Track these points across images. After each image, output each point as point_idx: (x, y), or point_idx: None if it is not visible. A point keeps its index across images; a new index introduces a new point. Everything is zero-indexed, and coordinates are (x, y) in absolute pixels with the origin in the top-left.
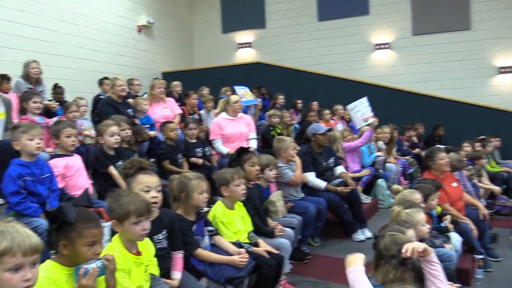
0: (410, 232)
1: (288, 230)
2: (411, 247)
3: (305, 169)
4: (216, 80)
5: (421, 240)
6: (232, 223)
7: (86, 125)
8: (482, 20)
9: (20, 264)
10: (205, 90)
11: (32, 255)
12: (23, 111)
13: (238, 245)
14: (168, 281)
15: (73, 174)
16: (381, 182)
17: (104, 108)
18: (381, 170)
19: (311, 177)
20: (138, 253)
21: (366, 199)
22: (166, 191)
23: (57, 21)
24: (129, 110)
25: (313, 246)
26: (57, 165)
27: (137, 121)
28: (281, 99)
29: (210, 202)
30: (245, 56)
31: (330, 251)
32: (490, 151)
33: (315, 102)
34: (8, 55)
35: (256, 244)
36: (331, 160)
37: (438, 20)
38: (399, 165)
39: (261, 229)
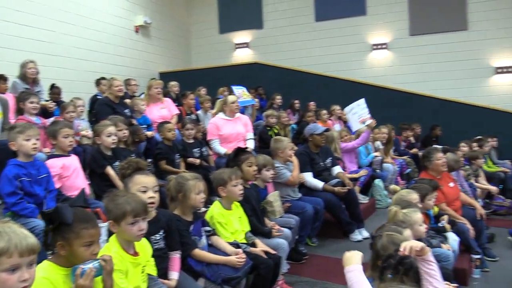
0: (407, 232)
1: (286, 230)
2: (409, 246)
3: (302, 169)
4: (214, 80)
5: (418, 240)
6: (229, 223)
7: (83, 126)
8: (479, 21)
9: (17, 264)
10: (203, 91)
11: (29, 255)
12: (20, 111)
13: (236, 245)
14: (166, 281)
15: (70, 175)
16: (378, 182)
17: (101, 108)
18: (378, 170)
19: (309, 177)
20: (135, 254)
21: (363, 199)
22: (163, 192)
23: (54, 21)
24: (126, 111)
25: (311, 246)
26: (54, 165)
27: (134, 122)
28: (278, 99)
29: (207, 203)
30: (242, 56)
31: (328, 251)
32: (487, 151)
33: (312, 102)
34: (5, 55)
35: (253, 244)
36: (328, 160)
37: (435, 20)
38: (396, 165)
39: (259, 229)
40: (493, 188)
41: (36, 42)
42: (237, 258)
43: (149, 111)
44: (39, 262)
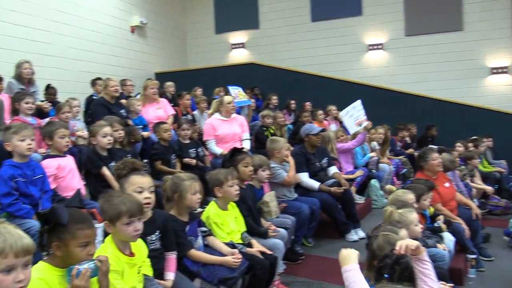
0: (403, 232)
1: (282, 230)
2: (405, 244)
3: (298, 169)
4: (209, 80)
5: (414, 239)
6: (225, 223)
7: (79, 126)
8: (475, 21)
9: (12, 265)
10: (198, 91)
11: (24, 256)
12: (15, 111)
13: (232, 245)
14: (162, 282)
15: (66, 175)
16: (374, 182)
17: (97, 108)
18: (374, 171)
19: (305, 178)
20: (131, 254)
21: (359, 200)
22: (159, 192)
23: (50, 22)
24: (122, 111)
25: (307, 246)
26: (50, 165)
27: (130, 122)
28: (274, 99)
29: (203, 203)
30: (238, 56)
31: (324, 251)
32: (483, 151)
33: (308, 103)
34: (0, 55)
35: (249, 245)
36: (324, 160)
37: (431, 21)
38: (392, 165)
39: (255, 230)
40: (489, 188)
41: (32, 43)
42: (233, 258)
43: (145, 111)
44: (34, 263)
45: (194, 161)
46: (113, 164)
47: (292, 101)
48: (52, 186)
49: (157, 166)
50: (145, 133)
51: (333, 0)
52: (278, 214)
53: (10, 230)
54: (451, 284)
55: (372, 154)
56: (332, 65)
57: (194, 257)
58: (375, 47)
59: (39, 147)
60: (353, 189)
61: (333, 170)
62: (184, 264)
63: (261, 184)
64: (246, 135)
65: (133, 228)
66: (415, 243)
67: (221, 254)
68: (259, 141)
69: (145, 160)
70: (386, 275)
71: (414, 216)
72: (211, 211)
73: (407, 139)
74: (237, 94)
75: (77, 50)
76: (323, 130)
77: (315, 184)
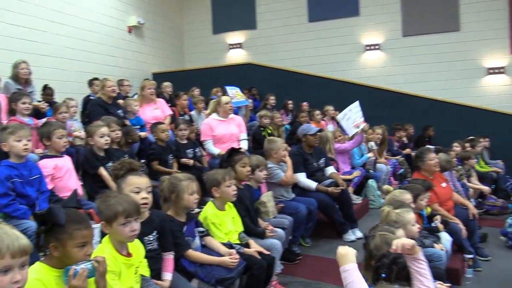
0: (400, 232)
1: (279, 230)
2: (401, 243)
3: (295, 169)
4: (207, 81)
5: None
6: (223, 224)
7: (76, 126)
8: (471, 22)
9: (9, 266)
10: (196, 91)
11: (21, 256)
12: (12, 112)
13: (229, 246)
14: (159, 282)
15: (63, 176)
16: (371, 182)
17: (94, 109)
18: (371, 171)
19: (302, 178)
20: (129, 255)
21: (357, 200)
22: (156, 192)
23: (47, 22)
24: (119, 111)
25: (304, 246)
26: (47, 165)
27: (127, 122)
28: (272, 99)
29: (201, 203)
30: (236, 57)
31: (321, 251)
32: (479, 151)
33: (305, 103)
34: None
35: (247, 245)
36: (322, 160)
37: (428, 21)
38: (389, 165)
39: (252, 230)
40: (486, 188)
41: (29, 43)
42: (231, 258)
43: (142, 111)
44: (31, 263)
45: (191, 162)
46: (110, 164)
47: (290, 101)
48: (49, 186)
49: (154, 167)
50: (142, 134)
51: (331, 0)
52: (275, 214)
53: (7, 231)
54: (448, 284)
55: (370, 154)
56: (329, 65)
57: (192, 258)
58: (372, 47)
59: (36, 147)
60: (350, 189)
61: (330, 170)
62: (182, 265)
63: (259, 184)
64: (244, 135)
65: (129, 229)
66: (411, 242)
67: (219, 255)
68: (257, 141)
69: (143, 161)
70: (383, 275)
71: (411, 216)
72: (209, 212)
73: (404, 139)
74: (234, 94)
75: (74, 50)
76: (321, 130)
77: (312, 184)
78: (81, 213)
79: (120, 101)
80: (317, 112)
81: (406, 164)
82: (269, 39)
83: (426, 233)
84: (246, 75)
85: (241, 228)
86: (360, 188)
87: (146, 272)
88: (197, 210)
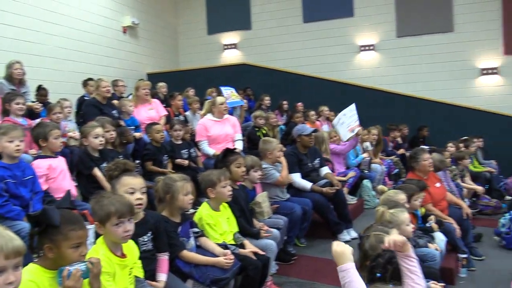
0: (394, 232)
1: (274, 231)
2: (392, 240)
3: (290, 170)
4: (202, 81)
5: None
6: (218, 224)
7: (70, 127)
8: (465, 23)
9: (2, 267)
10: (191, 92)
11: (15, 257)
12: (5, 112)
13: (224, 246)
14: (154, 283)
15: (57, 176)
16: (366, 182)
17: (89, 109)
18: (366, 171)
19: (297, 178)
20: (123, 256)
21: (351, 200)
22: (151, 193)
23: (41, 22)
24: (114, 112)
25: (299, 246)
26: (40, 165)
27: (122, 123)
28: (266, 100)
29: (196, 204)
30: (230, 57)
31: (316, 251)
32: (473, 151)
33: (300, 103)
34: None
35: (242, 245)
36: (317, 161)
37: (422, 22)
38: (384, 165)
39: (247, 230)
40: (479, 188)
41: (22, 43)
42: (225, 259)
43: (137, 112)
44: (25, 265)
45: (186, 162)
46: (104, 165)
47: (285, 102)
48: (44, 187)
49: (148, 167)
50: (137, 134)
51: (325, 1)
52: (270, 214)
53: (1, 232)
54: (442, 284)
55: (365, 155)
56: (324, 66)
57: (186, 258)
58: (367, 48)
59: (30, 148)
60: (345, 189)
61: (325, 170)
62: (176, 265)
63: (253, 185)
64: (239, 135)
65: (123, 229)
66: (402, 239)
67: (214, 255)
68: (252, 142)
69: (137, 161)
70: (378, 275)
71: (405, 216)
72: (204, 212)
73: (399, 139)
74: (229, 94)
75: (68, 51)
76: (315, 131)
77: (307, 184)
78: (75, 213)
79: (115, 102)
80: (312, 112)
81: (401, 164)
82: (264, 39)
83: (420, 233)
84: (241, 76)
85: (236, 228)
86: (355, 188)
87: (140, 273)
88: (192, 210)
